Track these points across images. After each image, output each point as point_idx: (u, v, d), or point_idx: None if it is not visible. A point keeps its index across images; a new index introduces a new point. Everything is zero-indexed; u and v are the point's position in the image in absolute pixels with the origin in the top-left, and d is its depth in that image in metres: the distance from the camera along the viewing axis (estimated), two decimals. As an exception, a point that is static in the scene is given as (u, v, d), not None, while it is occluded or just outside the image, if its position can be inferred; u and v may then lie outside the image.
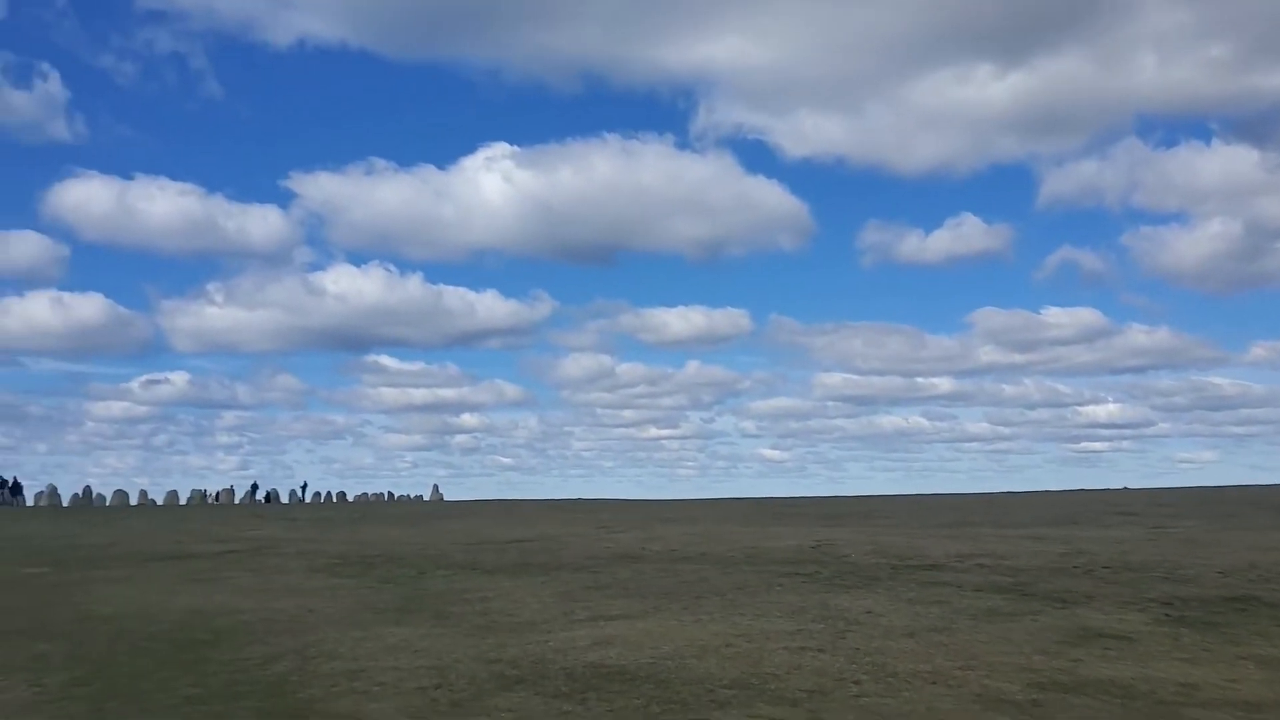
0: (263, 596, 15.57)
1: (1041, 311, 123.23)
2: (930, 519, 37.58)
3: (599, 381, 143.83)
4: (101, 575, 20.45)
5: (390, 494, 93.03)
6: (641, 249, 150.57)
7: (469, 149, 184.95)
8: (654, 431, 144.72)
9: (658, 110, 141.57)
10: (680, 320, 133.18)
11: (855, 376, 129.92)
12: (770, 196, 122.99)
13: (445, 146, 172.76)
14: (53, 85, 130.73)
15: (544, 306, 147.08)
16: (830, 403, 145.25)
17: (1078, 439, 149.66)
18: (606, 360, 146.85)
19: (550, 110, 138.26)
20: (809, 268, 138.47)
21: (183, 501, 76.33)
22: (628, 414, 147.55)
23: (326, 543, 29.62)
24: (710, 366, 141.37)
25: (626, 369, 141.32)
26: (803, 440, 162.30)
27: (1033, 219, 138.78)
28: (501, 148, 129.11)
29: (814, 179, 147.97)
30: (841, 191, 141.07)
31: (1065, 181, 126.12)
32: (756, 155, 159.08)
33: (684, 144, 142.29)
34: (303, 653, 10.14)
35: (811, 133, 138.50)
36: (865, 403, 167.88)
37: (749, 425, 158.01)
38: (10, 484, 68.99)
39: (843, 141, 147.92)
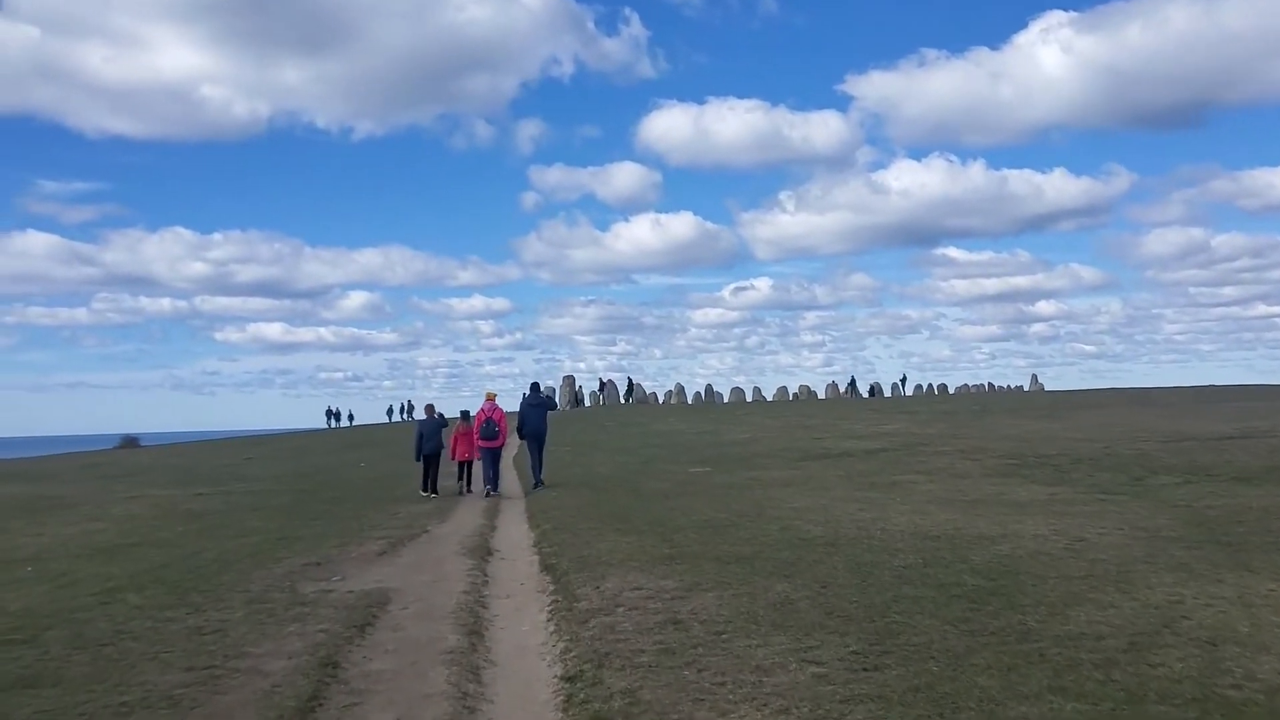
0: (987, 512, 12.32)
1: None
2: None
3: (1191, 257, 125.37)
4: (765, 476, 18.81)
5: (990, 385, 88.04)
6: (1234, 104, 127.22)
7: (1020, 24, 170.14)
8: (1263, 309, 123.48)
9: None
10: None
11: None
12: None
13: (996, 25, 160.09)
14: (635, 28, 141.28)
15: (1120, 181, 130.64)
16: None
17: None
18: (1198, 233, 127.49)
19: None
20: None
21: (790, 398, 78.08)
22: (1228, 291, 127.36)
23: (974, 439, 26.19)
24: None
25: (1224, 241, 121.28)
26: None
27: None
28: (1057, 16, 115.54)
29: None
30: None
31: None
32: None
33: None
34: (1172, 626, 6.45)
35: None
36: None
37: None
38: (632, 386, 74.88)
39: None
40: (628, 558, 9.85)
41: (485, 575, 10.07)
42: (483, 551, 11.44)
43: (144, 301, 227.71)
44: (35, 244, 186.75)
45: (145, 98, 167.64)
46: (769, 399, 77.30)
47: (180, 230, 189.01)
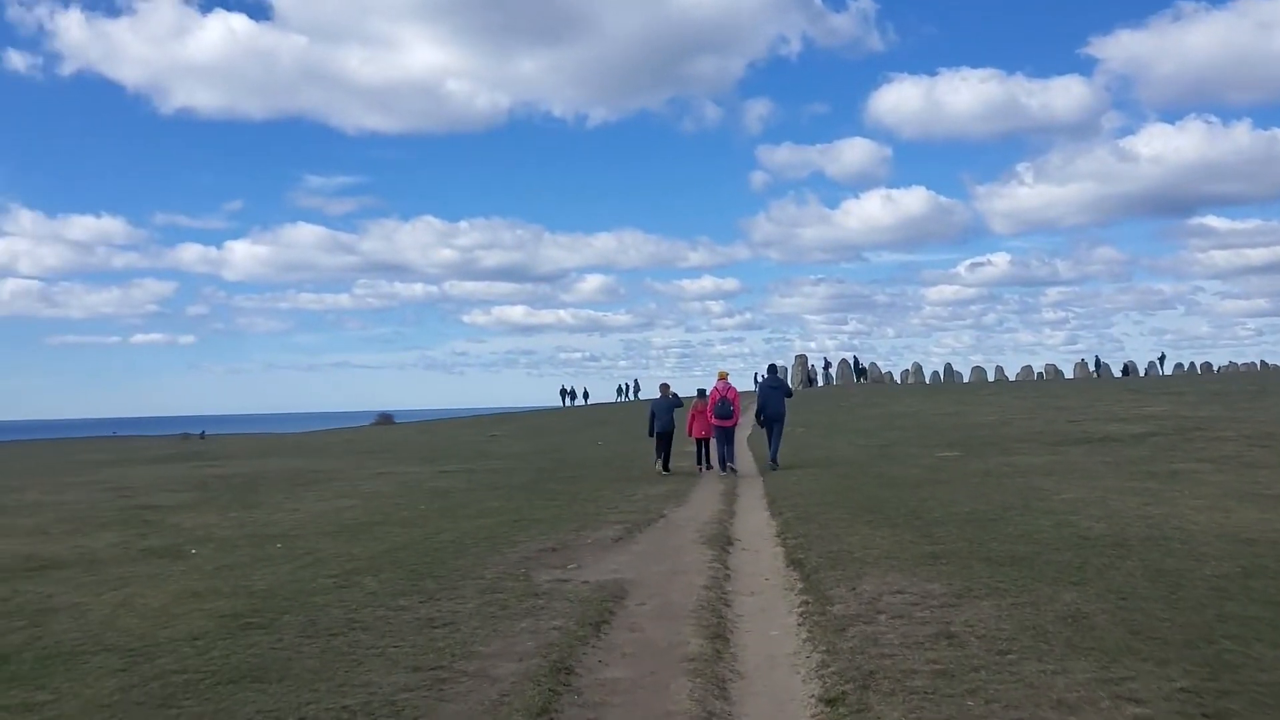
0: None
1: None
2: None
3: None
4: (1022, 463, 17.23)
5: (1261, 363, 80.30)
6: None
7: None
8: None
9: None
10: None
11: None
12: None
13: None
14: (863, 2, 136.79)
15: None
16: None
17: None
18: None
19: None
20: None
21: (1035, 377, 73.81)
22: None
23: (1258, 423, 23.27)
24: None
25: None
26: None
27: None
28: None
29: None
30: None
31: None
32: None
33: None
34: None
35: None
36: None
37: None
38: (863, 368, 72.64)
39: None
40: (884, 554, 8.90)
41: (726, 568, 9.36)
42: (722, 540, 10.76)
43: (399, 287, 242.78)
44: (304, 235, 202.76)
45: (397, 95, 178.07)
46: (1011, 378, 73.33)
47: (430, 219, 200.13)
